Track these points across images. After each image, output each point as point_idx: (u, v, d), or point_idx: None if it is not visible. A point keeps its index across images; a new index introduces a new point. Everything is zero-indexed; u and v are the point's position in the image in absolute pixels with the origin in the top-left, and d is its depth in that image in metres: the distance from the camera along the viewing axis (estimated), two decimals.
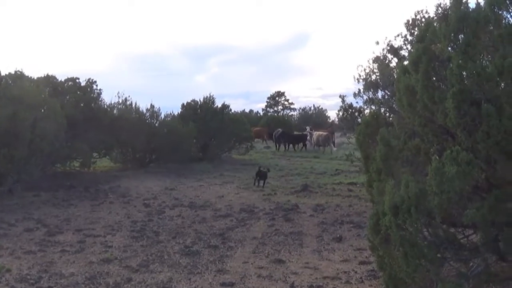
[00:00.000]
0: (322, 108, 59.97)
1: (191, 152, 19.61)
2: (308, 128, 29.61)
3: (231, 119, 21.76)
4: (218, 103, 22.02)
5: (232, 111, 23.99)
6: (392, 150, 4.73)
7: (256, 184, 13.55)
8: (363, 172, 7.79)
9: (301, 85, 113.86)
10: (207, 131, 20.39)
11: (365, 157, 5.90)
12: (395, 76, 10.61)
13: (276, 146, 28.77)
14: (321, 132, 27.99)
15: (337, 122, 29.60)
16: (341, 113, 12.70)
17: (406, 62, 5.57)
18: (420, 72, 4.44)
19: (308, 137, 28.37)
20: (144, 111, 18.12)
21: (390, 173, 4.65)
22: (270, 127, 35.76)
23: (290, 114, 71.18)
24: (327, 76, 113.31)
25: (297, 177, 15.41)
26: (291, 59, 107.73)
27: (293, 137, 29.27)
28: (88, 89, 16.03)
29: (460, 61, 3.99)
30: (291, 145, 28.55)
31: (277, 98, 76.69)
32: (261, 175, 13.69)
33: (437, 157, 4.06)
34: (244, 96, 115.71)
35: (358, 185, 13.23)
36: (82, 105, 15.41)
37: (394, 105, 9.60)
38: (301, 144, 28.62)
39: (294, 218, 9.26)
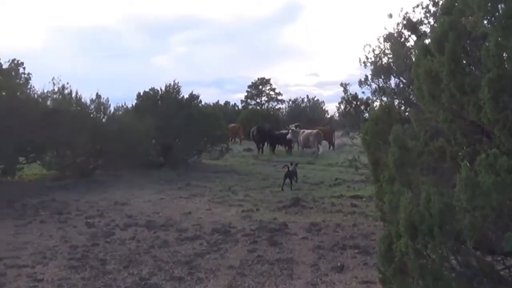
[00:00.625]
0: (318, 100, 60.37)
1: (149, 155, 19.49)
2: (291, 126, 29.27)
3: (201, 113, 21.70)
4: (185, 93, 22.02)
5: (203, 103, 23.98)
6: (409, 153, 4.71)
7: (283, 187, 15.10)
8: (371, 182, 7.77)
9: (291, 70, 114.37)
10: (170, 128, 20.28)
11: (373, 163, 5.87)
12: (413, 59, 10.70)
13: (258, 148, 28.89)
14: (310, 131, 28.16)
15: (337, 118, 29.85)
16: (342, 106, 12.70)
17: (427, 41, 5.56)
18: (446, 53, 4.41)
19: (289, 136, 28.55)
20: (88, 102, 17.98)
21: (407, 184, 4.63)
22: (251, 123, 35.76)
23: (277, 107, 71.57)
24: (325, 59, 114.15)
25: (286, 188, 15.37)
26: (278, 38, 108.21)
27: (272, 136, 29.21)
28: (12, 73, 15.77)
29: (499, 39, 3.96)
30: (279, 147, 28.66)
31: (260, 87, 76.98)
32: (290, 175, 15.23)
33: (467, 163, 4.02)
34: (217, 84, 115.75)
35: (364, 199, 13.24)
36: (3, 93, 15.14)
37: (411, 96, 9.63)
38: (285, 146, 28.75)
39: (282, 241, 9.20)
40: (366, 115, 11.88)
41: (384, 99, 10.45)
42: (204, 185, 16.00)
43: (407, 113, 10.78)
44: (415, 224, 3.91)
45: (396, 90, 10.76)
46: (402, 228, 4.02)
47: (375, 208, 6.30)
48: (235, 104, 70.98)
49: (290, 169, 15.52)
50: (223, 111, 35.47)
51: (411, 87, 10.26)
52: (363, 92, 12.10)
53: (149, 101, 21.26)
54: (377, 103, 11.22)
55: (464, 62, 4.42)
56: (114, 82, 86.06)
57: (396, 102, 10.37)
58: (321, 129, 29.63)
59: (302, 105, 59.40)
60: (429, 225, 3.80)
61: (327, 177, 17.90)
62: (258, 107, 66.91)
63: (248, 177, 18.24)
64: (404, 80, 10.87)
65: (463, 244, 3.84)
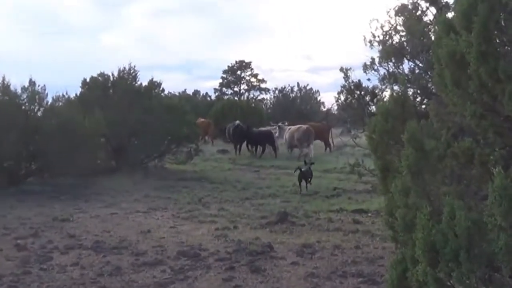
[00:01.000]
0: (311, 89, 60.55)
1: (98, 159, 19.34)
2: (277, 125, 29.84)
3: (163, 105, 21.65)
4: (143, 79, 21.97)
5: (166, 92, 23.93)
6: (427, 157, 4.70)
7: (301, 190, 16.35)
8: (379, 193, 7.75)
9: (277, 51, 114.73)
10: (124, 125, 20.17)
11: (382, 169, 5.87)
12: (433, 38, 10.72)
13: (235, 149, 28.96)
14: (297, 126, 28.33)
15: (336, 112, 29.87)
16: (342, 97, 12.72)
17: (450, 14, 5.55)
18: (475, 30, 4.41)
19: (276, 135, 28.95)
20: (18, 90, 17.73)
21: (425, 195, 4.62)
22: (228, 119, 35.85)
23: (260, 98, 71.71)
24: (320, 38, 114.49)
25: (271, 200, 15.34)
26: (261, 10, 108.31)
27: (250, 135, 29.33)
28: None
29: None
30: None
31: (238, 73, 77.22)
32: (305, 175, 16.30)
33: (502, 169, 4.01)
34: (184, 68, 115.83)
35: (370, 214, 13.23)
36: None
37: (429, 84, 9.65)
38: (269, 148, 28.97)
39: (267, 267, 9.15)
40: (373, 108, 11.91)
41: (396, 88, 10.45)
42: (167, 196, 15.90)
43: (424, 106, 10.84)
44: (436, 247, 3.90)
45: (410, 77, 10.78)
46: (420, 251, 4.01)
47: (384, 226, 6.28)
48: (206, 94, 71.29)
49: (304, 169, 16.47)
50: (192, 102, 35.51)
51: (429, 73, 10.29)
52: (368, 79, 12.14)
53: (98, 89, 21.16)
54: (386, 93, 11.26)
55: (498, 41, 4.41)
56: (52, 65, 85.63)
57: (411, 92, 10.39)
58: (313, 126, 29.58)
59: (291, 95, 59.59)
60: (454, 248, 3.79)
61: (323, 186, 17.88)
62: (236, 98, 66.96)
63: (223, 186, 18.18)
64: (420, 64, 10.90)
65: (497, 271, 3.83)
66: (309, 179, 16.90)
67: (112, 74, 21.52)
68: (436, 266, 3.91)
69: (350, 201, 15.20)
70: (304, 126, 28.20)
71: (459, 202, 4.04)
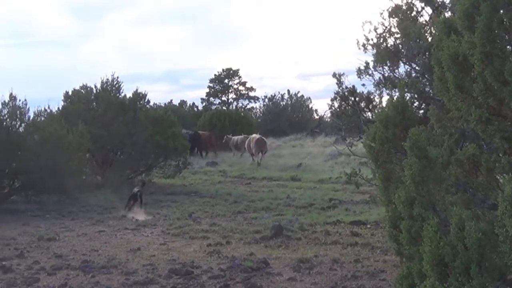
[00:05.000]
0: (302, 96, 60.63)
1: (83, 174, 19.23)
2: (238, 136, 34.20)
3: (149, 117, 21.58)
4: (127, 91, 21.96)
5: (151, 103, 23.82)
6: (431, 165, 4.65)
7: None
8: (381, 204, 7.70)
9: (265, 58, 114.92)
10: (109, 138, 20.11)
11: (384, 178, 5.82)
12: (429, 39, 10.73)
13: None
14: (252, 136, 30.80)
15: (329, 119, 29.99)
16: (336, 104, 12.70)
17: (449, 14, 5.52)
18: (478, 29, 4.37)
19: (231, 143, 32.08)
20: None
21: (430, 205, 4.58)
22: (216, 129, 36.17)
23: (249, 106, 71.76)
24: (309, 43, 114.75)
25: (265, 214, 15.28)
26: (246, 15, 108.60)
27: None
28: None
29: None
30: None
31: (226, 81, 77.13)
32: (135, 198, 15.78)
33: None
34: (169, 77, 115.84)
35: (369, 226, 13.20)
36: None
37: (428, 89, 9.63)
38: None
39: (262, 284, 9.10)
40: (369, 114, 11.89)
41: (393, 93, 10.45)
42: (156, 212, 15.84)
43: (422, 111, 10.84)
44: (444, 260, 3.85)
45: (406, 81, 10.76)
46: (427, 265, 3.97)
47: (387, 237, 6.22)
48: (193, 104, 71.18)
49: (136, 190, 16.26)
50: (178, 113, 35.42)
51: (426, 76, 10.29)
52: (363, 85, 12.13)
53: (81, 102, 21.09)
54: (383, 99, 11.25)
55: (503, 41, 4.38)
56: (33, 78, 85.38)
57: (408, 96, 10.37)
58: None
59: (281, 103, 59.66)
60: (464, 261, 3.74)
61: (318, 198, 17.84)
62: (224, 108, 66.96)
63: (214, 199, 18.12)
64: (417, 68, 10.91)
65: (510, 285, 3.79)
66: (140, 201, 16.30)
67: (95, 86, 21.47)
68: (445, 280, 3.86)
69: (347, 213, 15.16)
70: (257, 136, 30.18)
71: (467, 212, 4.00)
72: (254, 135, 32.09)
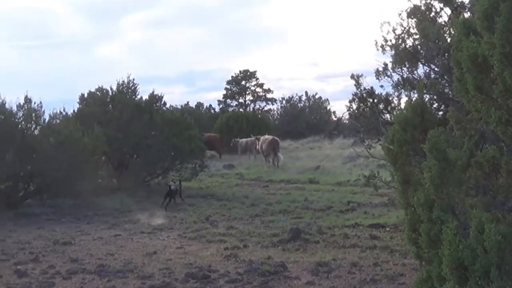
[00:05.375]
0: (320, 98, 60.52)
1: (98, 177, 19.29)
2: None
3: (166, 120, 21.60)
4: (143, 93, 21.98)
5: (168, 106, 23.87)
6: (451, 167, 4.64)
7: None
8: (399, 206, 7.68)
9: (283, 59, 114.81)
10: (125, 141, 20.16)
11: (402, 181, 5.81)
12: (449, 40, 10.68)
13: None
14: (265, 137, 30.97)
15: (347, 121, 29.97)
16: (354, 105, 12.66)
17: (468, 14, 5.51)
18: (498, 30, 4.36)
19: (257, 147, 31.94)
20: (14, 108, 17.72)
21: (449, 208, 4.57)
22: (233, 132, 36.24)
23: (266, 108, 71.75)
24: (328, 44, 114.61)
25: (282, 217, 15.27)
26: (264, 16, 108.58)
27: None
28: None
29: None
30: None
31: (243, 83, 77.18)
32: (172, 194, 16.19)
33: None
34: (186, 79, 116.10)
35: (388, 228, 13.14)
36: None
37: (447, 90, 9.60)
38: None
39: None
40: (387, 116, 11.86)
41: (412, 94, 10.41)
42: (173, 215, 15.83)
43: (441, 113, 10.79)
44: (464, 264, 3.84)
45: (425, 82, 10.73)
46: (447, 268, 3.96)
47: (405, 240, 6.21)
48: (210, 106, 71.23)
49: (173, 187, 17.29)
50: (195, 115, 35.46)
51: (446, 77, 10.24)
52: (381, 86, 12.08)
53: (96, 105, 21.14)
54: (402, 101, 11.21)
55: None
56: (48, 81, 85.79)
57: (427, 98, 10.32)
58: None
59: (299, 104, 59.57)
60: (484, 265, 3.73)
61: (336, 201, 17.80)
62: (241, 110, 66.99)
63: (231, 202, 18.12)
64: (436, 69, 10.86)
65: None
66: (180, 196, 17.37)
67: (111, 88, 21.52)
68: (465, 284, 3.85)
69: (366, 216, 15.11)
70: (270, 137, 30.43)
71: (486, 215, 3.99)
72: (266, 136, 32.37)
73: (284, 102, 61.51)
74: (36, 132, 18.00)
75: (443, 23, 11.01)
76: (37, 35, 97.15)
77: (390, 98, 11.83)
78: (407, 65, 11.18)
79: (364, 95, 12.21)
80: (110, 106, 21.30)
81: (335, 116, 56.78)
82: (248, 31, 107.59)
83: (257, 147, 32.27)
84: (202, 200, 18.84)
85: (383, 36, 11.76)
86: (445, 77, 10.05)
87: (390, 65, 11.52)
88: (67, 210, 16.41)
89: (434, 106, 10.80)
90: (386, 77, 11.57)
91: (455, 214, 4.40)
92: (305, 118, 55.40)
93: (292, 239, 12.32)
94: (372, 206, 16.31)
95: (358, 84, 12.28)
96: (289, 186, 22.04)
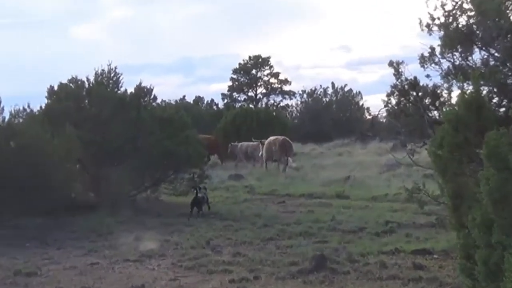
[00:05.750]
0: (351, 91, 60.57)
1: (72, 191, 19.37)
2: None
3: (156, 118, 21.70)
4: (128, 85, 21.98)
5: (159, 101, 23.94)
6: None
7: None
8: (450, 227, 7.67)
9: (304, 42, 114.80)
10: (105, 145, 20.23)
11: (453, 195, 5.82)
12: None
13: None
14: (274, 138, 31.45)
15: (385, 120, 29.98)
16: (393, 100, 12.69)
17: None
18: None
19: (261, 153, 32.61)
20: None
21: None
22: (240, 133, 36.39)
23: (282, 104, 71.80)
24: (360, 24, 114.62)
25: (303, 241, 15.28)
26: None
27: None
28: None
29: None
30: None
31: (254, 72, 77.34)
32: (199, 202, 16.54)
33: None
34: (183, 68, 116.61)
35: (436, 256, 13.14)
36: None
37: (511, 80, 9.59)
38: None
39: None
40: (435, 113, 11.86)
41: (467, 85, 10.40)
42: (164, 239, 15.82)
43: (502, 109, 10.78)
44: None
45: (483, 71, 10.73)
46: None
47: (457, 271, 6.21)
48: (212, 101, 71.44)
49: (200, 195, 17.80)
50: (193, 113, 35.61)
51: (508, 64, 10.24)
52: (427, 76, 12.09)
53: (69, 100, 21.21)
54: (456, 94, 11.20)
55: None
56: (9, 69, 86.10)
57: (485, 90, 10.32)
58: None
59: (324, 99, 59.69)
60: None
61: (371, 220, 17.80)
62: (251, 105, 67.14)
63: (238, 223, 18.10)
64: (496, 54, 10.86)
65: None
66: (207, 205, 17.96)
67: (88, 79, 21.56)
68: None
69: (408, 239, 15.08)
70: (281, 138, 31.12)
71: None
72: (274, 137, 32.82)
73: (305, 96, 61.77)
74: None
75: None
76: None
77: (438, 91, 11.85)
78: (459, 50, 11.18)
79: (406, 87, 12.23)
80: (87, 101, 21.40)
81: (370, 114, 56.87)
82: (259, 7, 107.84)
83: (261, 153, 32.81)
84: (202, 219, 18.86)
85: (429, 13, 11.79)
86: (508, 64, 10.06)
87: (438, 50, 11.54)
88: (32, 232, 16.43)
89: (494, 101, 10.80)
90: (433, 65, 11.58)
91: None
92: (332, 116, 55.48)
93: (315, 269, 12.32)
94: (416, 227, 16.30)
95: (398, 74, 12.31)
96: (311, 202, 22.07)
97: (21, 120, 19.10)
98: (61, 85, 21.72)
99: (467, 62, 11.11)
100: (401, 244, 14.46)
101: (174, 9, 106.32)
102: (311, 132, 48.19)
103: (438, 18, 11.68)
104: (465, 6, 11.47)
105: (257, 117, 43.44)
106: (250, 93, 76.75)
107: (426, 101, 12.04)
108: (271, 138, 32.60)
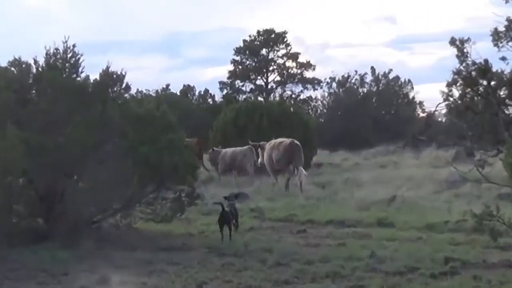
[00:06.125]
0: (397, 79, 60.57)
1: (13, 214, 19.42)
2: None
3: (129, 115, 21.70)
4: (92, 69, 21.99)
5: (134, 91, 24.04)
6: None
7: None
8: None
9: (332, 14, 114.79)
10: (59, 152, 20.26)
11: None
12: None
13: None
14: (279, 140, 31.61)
15: (444, 119, 29.84)
16: (456, 92, 12.72)
17: None
18: None
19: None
20: None
21: None
22: (246, 135, 36.54)
23: (303, 96, 71.78)
24: None
25: (332, 285, 15.26)
26: None
27: None
28: None
29: None
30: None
31: (264, 52, 77.23)
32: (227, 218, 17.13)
33: None
34: (166, 47, 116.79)
35: None
36: None
37: None
38: None
39: None
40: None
41: None
42: (141, 281, 15.79)
43: None
44: None
45: None
46: None
47: None
48: (206, 91, 71.32)
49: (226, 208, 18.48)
50: (180, 108, 35.68)
51: None
52: (503, 58, 12.09)
53: (10, 89, 21.26)
54: None
55: None
56: None
57: None
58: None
59: (361, 90, 59.63)
60: None
61: (425, 257, 17.73)
62: (261, 98, 67.13)
63: (242, 260, 18.07)
64: None
65: None
66: (234, 221, 18.37)
67: (36, 62, 21.54)
68: None
69: (476, 284, 15.03)
70: (287, 141, 31.07)
71: None
72: (279, 139, 32.93)
73: (334, 85, 61.67)
74: None
75: None
76: None
77: None
78: None
79: (473, 73, 12.24)
80: (34, 91, 21.40)
81: (423, 111, 56.82)
82: None
83: (259, 161, 33.56)
84: (192, 255, 18.82)
85: None
86: None
87: None
88: None
89: None
90: (510, 43, 11.60)
91: None
92: (371, 114, 55.45)
93: None
94: (487, 267, 16.24)
95: (462, 55, 12.32)
96: (342, 232, 22.08)
97: None
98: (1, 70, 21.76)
99: None
100: None
101: None
102: (342, 136, 48.22)
103: None
104: None
105: (268, 113, 43.12)
106: (259, 81, 76.79)
107: (501, 93, 12.04)
108: (275, 140, 32.66)
